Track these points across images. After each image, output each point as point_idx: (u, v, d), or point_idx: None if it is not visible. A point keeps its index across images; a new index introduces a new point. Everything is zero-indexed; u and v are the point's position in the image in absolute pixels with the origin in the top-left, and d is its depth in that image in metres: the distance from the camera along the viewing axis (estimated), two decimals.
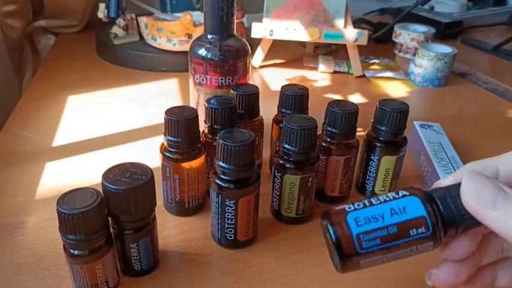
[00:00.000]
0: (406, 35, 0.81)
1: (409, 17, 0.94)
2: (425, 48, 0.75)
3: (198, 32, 0.72)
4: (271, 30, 0.74)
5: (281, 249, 0.39)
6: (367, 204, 0.25)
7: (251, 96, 0.44)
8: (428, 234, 0.24)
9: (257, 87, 0.45)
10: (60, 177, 0.48)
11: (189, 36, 0.72)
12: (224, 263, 0.38)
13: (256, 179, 0.36)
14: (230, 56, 0.45)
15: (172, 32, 0.72)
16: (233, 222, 0.37)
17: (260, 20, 0.75)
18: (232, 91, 0.45)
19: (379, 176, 0.44)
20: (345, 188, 0.44)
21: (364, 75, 0.79)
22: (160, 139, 0.40)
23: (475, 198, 0.23)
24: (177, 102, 0.66)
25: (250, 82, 0.48)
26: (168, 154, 0.39)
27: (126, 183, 0.31)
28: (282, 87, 0.46)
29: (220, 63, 0.45)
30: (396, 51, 0.85)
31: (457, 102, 0.71)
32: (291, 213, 0.41)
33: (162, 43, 0.74)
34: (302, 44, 0.90)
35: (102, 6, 0.78)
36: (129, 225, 0.33)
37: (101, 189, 0.31)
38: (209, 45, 0.45)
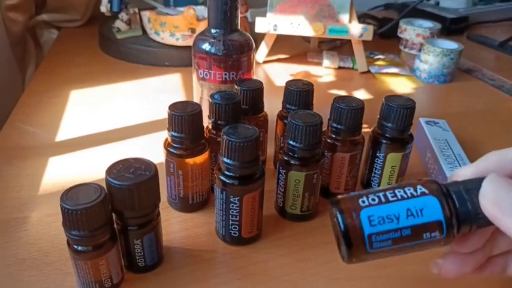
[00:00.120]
0: (412, 31, 0.80)
1: (415, 12, 0.93)
2: (431, 44, 0.74)
3: (201, 26, 0.71)
4: (275, 25, 0.73)
5: (286, 247, 0.39)
6: (383, 199, 0.23)
7: (255, 92, 0.44)
8: (441, 237, 0.23)
9: (261, 82, 0.45)
10: (63, 172, 0.48)
11: (192, 30, 0.72)
12: (228, 259, 0.38)
13: (261, 175, 0.36)
14: (234, 50, 0.44)
15: (176, 27, 0.72)
16: (237, 218, 0.36)
17: (264, 15, 0.74)
18: (236, 86, 0.44)
19: (385, 173, 0.44)
20: (350, 185, 0.44)
21: (369, 71, 0.78)
22: (164, 134, 0.39)
23: (494, 204, 0.22)
24: (181, 97, 0.66)
25: (254, 77, 0.48)
26: (171, 150, 0.39)
27: (130, 178, 0.31)
28: (287, 83, 0.46)
29: (224, 58, 0.44)
30: (401, 47, 0.84)
31: (463, 98, 0.71)
32: (296, 210, 0.41)
33: (165, 38, 0.74)
34: (306, 39, 0.90)
35: (104, 0, 0.77)
36: (133, 221, 0.33)
37: (104, 185, 0.31)
38: (213, 40, 0.44)
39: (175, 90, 0.68)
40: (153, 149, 0.49)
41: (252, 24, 0.78)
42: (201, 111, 0.38)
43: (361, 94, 0.70)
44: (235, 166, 0.34)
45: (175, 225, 0.41)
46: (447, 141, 0.50)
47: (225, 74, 0.45)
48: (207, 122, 0.42)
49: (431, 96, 0.72)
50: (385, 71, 0.78)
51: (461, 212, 0.23)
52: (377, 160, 0.43)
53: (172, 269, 0.36)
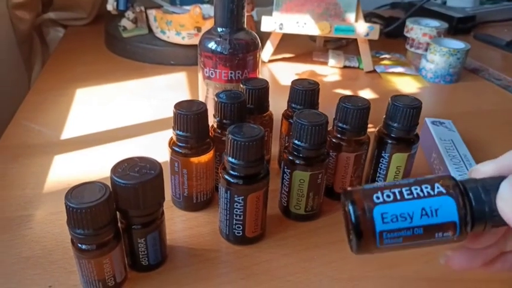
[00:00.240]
0: (418, 30, 0.80)
1: (421, 11, 0.93)
2: (437, 43, 0.74)
3: (208, 25, 0.71)
4: (281, 24, 0.73)
5: (289, 246, 0.39)
6: (398, 197, 0.23)
7: (261, 91, 0.44)
8: (454, 237, 0.23)
9: (267, 81, 0.45)
10: (68, 170, 0.48)
11: (198, 29, 0.72)
12: (232, 259, 0.37)
13: (266, 175, 0.36)
14: (240, 49, 0.44)
15: (182, 25, 0.72)
16: (241, 218, 0.36)
17: (270, 14, 0.74)
18: (241, 85, 0.44)
19: (390, 173, 0.43)
20: (354, 185, 0.44)
21: (374, 71, 0.78)
22: (169, 133, 0.39)
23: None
24: (186, 96, 0.66)
25: (260, 76, 0.48)
26: (176, 148, 0.39)
27: (135, 177, 0.31)
28: (292, 82, 0.45)
29: (230, 56, 0.44)
30: (408, 46, 0.84)
31: (469, 98, 0.70)
32: (300, 210, 0.41)
33: (171, 36, 0.74)
34: (312, 38, 0.89)
35: None
36: (138, 220, 0.33)
37: (109, 183, 0.31)
38: (219, 39, 0.44)
39: (180, 89, 0.68)
40: (158, 147, 0.49)
41: (257, 23, 0.78)
42: (206, 110, 0.38)
43: (366, 94, 0.69)
44: (240, 165, 0.34)
45: (179, 224, 0.41)
46: (453, 141, 0.50)
47: (231, 73, 0.45)
48: (212, 121, 0.42)
49: (437, 96, 0.72)
50: (391, 70, 0.78)
51: (477, 211, 0.23)
52: (382, 160, 0.43)
53: (175, 268, 0.36)
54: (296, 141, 0.38)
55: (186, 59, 0.75)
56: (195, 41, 0.70)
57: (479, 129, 0.60)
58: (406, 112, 0.40)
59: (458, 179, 0.24)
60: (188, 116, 0.37)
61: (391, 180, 0.44)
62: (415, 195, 0.23)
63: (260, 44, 0.47)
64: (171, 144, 0.39)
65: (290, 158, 0.39)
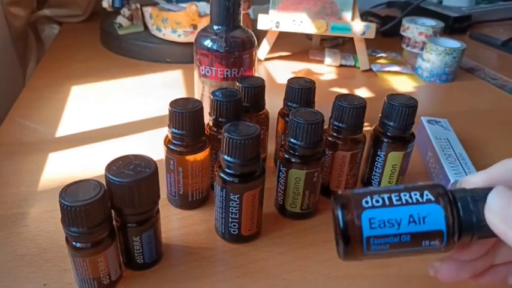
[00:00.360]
0: (414, 29, 0.80)
1: (418, 10, 0.93)
2: (433, 42, 0.74)
3: (204, 22, 0.71)
4: (278, 22, 0.73)
5: (285, 245, 0.39)
6: (387, 202, 0.23)
7: (257, 89, 0.44)
8: (441, 246, 0.23)
9: (263, 79, 0.45)
10: (63, 168, 0.48)
11: (194, 27, 0.72)
12: (227, 257, 0.37)
13: (261, 173, 0.36)
14: (236, 47, 0.44)
15: (178, 23, 0.72)
16: (237, 216, 0.36)
17: (266, 12, 0.74)
18: (237, 83, 0.44)
19: (386, 172, 0.43)
20: (350, 183, 0.44)
21: (370, 69, 0.78)
22: (165, 131, 0.39)
23: (501, 219, 0.21)
24: (182, 94, 0.66)
25: (256, 75, 0.48)
26: (172, 146, 0.38)
27: (129, 175, 0.30)
28: (289, 80, 0.45)
29: (226, 54, 0.44)
30: (404, 45, 0.84)
31: (464, 98, 0.70)
32: (296, 208, 0.41)
33: (167, 34, 0.74)
34: (308, 36, 0.89)
35: None
36: (133, 218, 0.32)
37: (104, 181, 0.31)
38: (215, 37, 0.44)
39: (176, 87, 0.68)
40: (153, 145, 0.49)
41: (254, 21, 0.78)
42: (202, 108, 0.38)
43: (362, 92, 0.69)
44: (236, 164, 0.34)
45: (175, 223, 0.41)
46: (448, 140, 0.50)
47: (227, 71, 0.45)
48: (208, 119, 0.42)
49: (433, 95, 0.72)
50: (387, 69, 0.78)
51: (465, 221, 0.23)
52: (378, 159, 0.43)
53: (171, 266, 0.36)
54: (292, 140, 0.38)
55: (182, 56, 0.75)
56: (191, 38, 0.70)
57: (475, 128, 0.60)
58: (402, 111, 0.40)
59: (449, 187, 0.24)
60: (184, 114, 0.37)
61: (387, 179, 0.44)
62: (404, 202, 0.23)
63: (256, 42, 0.47)
64: (167, 142, 0.39)
65: (286, 156, 0.38)
